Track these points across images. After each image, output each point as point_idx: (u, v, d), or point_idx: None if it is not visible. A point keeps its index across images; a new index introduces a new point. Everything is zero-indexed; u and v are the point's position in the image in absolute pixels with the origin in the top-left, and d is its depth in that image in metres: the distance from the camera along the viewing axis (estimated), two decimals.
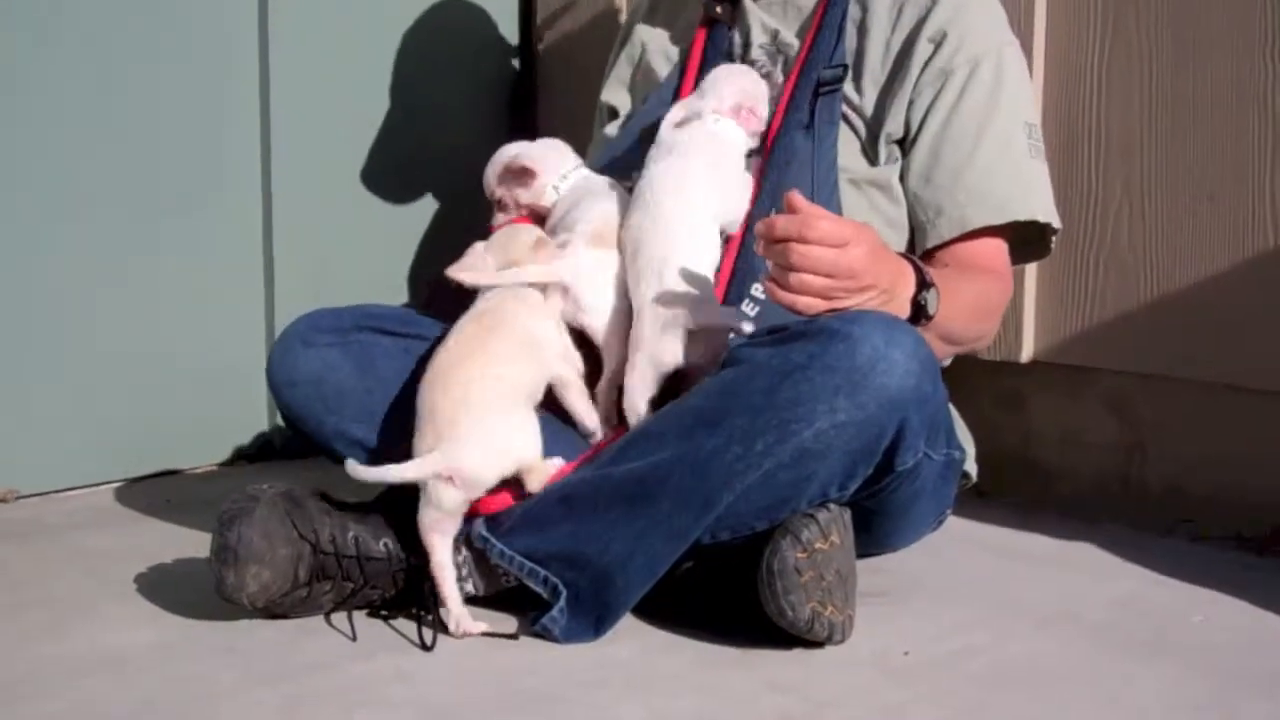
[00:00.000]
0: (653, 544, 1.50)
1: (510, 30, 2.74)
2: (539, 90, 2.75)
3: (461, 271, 1.65)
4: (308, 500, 1.58)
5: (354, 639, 1.54)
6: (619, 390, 1.65)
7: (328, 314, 1.78)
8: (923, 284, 1.58)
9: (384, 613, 1.60)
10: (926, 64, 1.77)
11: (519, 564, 1.55)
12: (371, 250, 2.53)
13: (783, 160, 1.74)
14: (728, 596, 1.56)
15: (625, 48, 2.09)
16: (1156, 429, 2.02)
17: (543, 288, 1.65)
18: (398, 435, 1.70)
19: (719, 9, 1.91)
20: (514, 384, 1.58)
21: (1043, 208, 1.80)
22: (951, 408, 1.72)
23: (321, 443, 1.75)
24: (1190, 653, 1.52)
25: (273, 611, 1.56)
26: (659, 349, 1.58)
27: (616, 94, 2.07)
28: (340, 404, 1.73)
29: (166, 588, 1.69)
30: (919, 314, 1.58)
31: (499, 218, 1.82)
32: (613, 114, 2.07)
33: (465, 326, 1.61)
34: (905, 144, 1.79)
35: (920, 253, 1.77)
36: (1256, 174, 1.86)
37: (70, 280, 2.20)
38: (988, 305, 1.78)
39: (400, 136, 2.56)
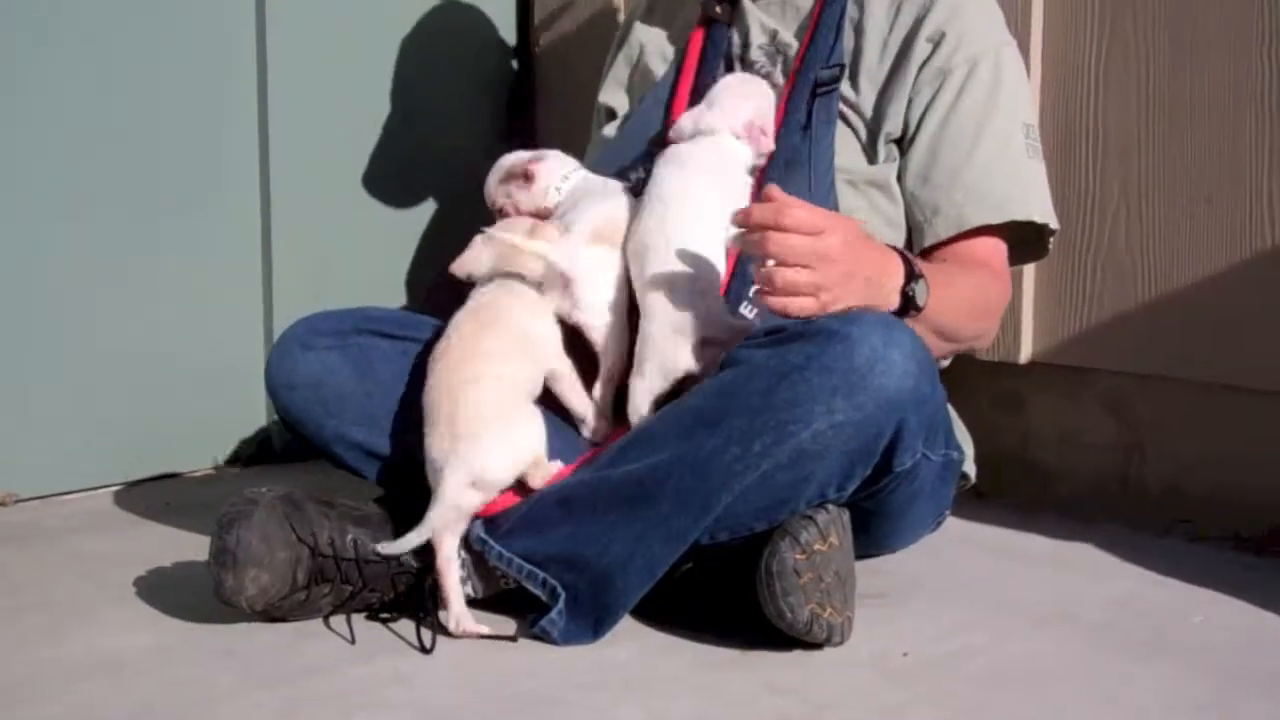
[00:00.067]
0: (651, 545, 1.50)
1: (508, 31, 2.74)
2: (537, 91, 2.76)
3: (463, 266, 1.66)
4: (306, 503, 1.58)
5: (353, 642, 1.54)
6: (616, 390, 1.65)
7: (326, 317, 1.78)
8: (911, 275, 1.58)
9: (383, 615, 1.60)
10: (925, 64, 1.78)
11: (517, 566, 1.55)
12: (370, 251, 2.53)
13: (781, 160, 1.74)
14: (726, 598, 1.56)
15: (623, 48, 2.09)
16: (1155, 429, 2.02)
17: (538, 285, 1.65)
18: (397, 438, 1.71)
19: (718, 9, 1.91)
20: (516, 382, 1.58)
21: (1040, 208, 1.80)
22: (950, 408, 1.72)
23: (320, 446, 1.75)
24: (1189, 653, 1.52)
25: (271, 614, 1.56)
26: (671, 357, 1.58)
27: (614, 95, 2.07)
28: (339, 407, 1.72)
29: (165, 591, 1.69)
30: (908, 305, 1.58)
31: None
32: (610, 115, 2.07)
33: (464, 324, 1.61)
34: (903, 143, 1.79)
35: (918, 252, 1.77)
36: (1254, 175, 1.86)
37: (68, 281, 2.20)
38: (985, 303, 1.78)
39: (398, 137, 2.56)
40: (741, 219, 1.48)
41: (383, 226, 2.55)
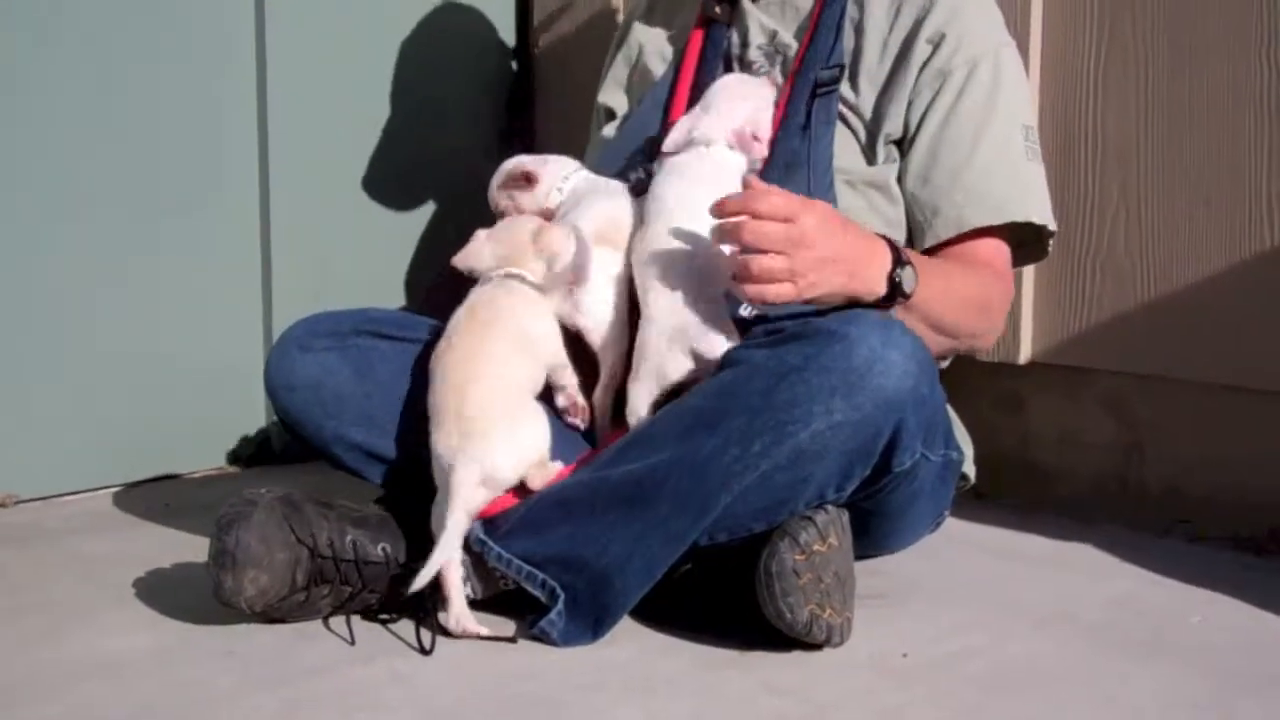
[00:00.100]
0: (650, 546, 1.50)
1: (507, 32, 2.74)
2: (536, 92, 2.76)
3: (466, 260, 1.67)
4: (305, 504, 1.58)
5: (352, 643, 1.54)
6: (615, 393, 1.65)
7: (325, 318, 1.78)
8: (898, 261, 1.58)
9: (382, 616, 1.60)
10: (925, 65, 1.78)
11: (516, 567, 1.55)
12: (369, 252, 2.53)
13: (780, 161, 1.74)
14: (726, 599, 1.56)
15: (622, 48, 2.09)
16: (1154, 430, 2.02)
17: (537, 284, 1.66)
18: (396, 439, 1.71)
19: (717, 9, 1.91)
20: (519, 380, 1.59)
21: (1039, 210, 1.80)
22: (949, 409, 1.72)
23: (320, 447, 1.75)
24: (1188, 653, 1.52)
25: (271, 616, 1.56)
26: (665, 363, 1.58)
27: (613, 95, 2.07)
28: (339, 408, 1.72)
29: (165, 592, 1.69)
30: (895, 291, 1.58)
31: None
32: (610, 115, 2.07)
33: (464, 324, 1.61)
34: (903, 145, 1.79)
35: (920, 254, 1.77)
36: (1253, 177, 1.86)
37: (68, 281, 2.20)
38: (983, 299, 1.77)
39: (398, 138, 2.56)
40: (717, 209, 1.49)
41: (382, 227, 2.55)
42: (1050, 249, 1.87)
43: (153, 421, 2.30)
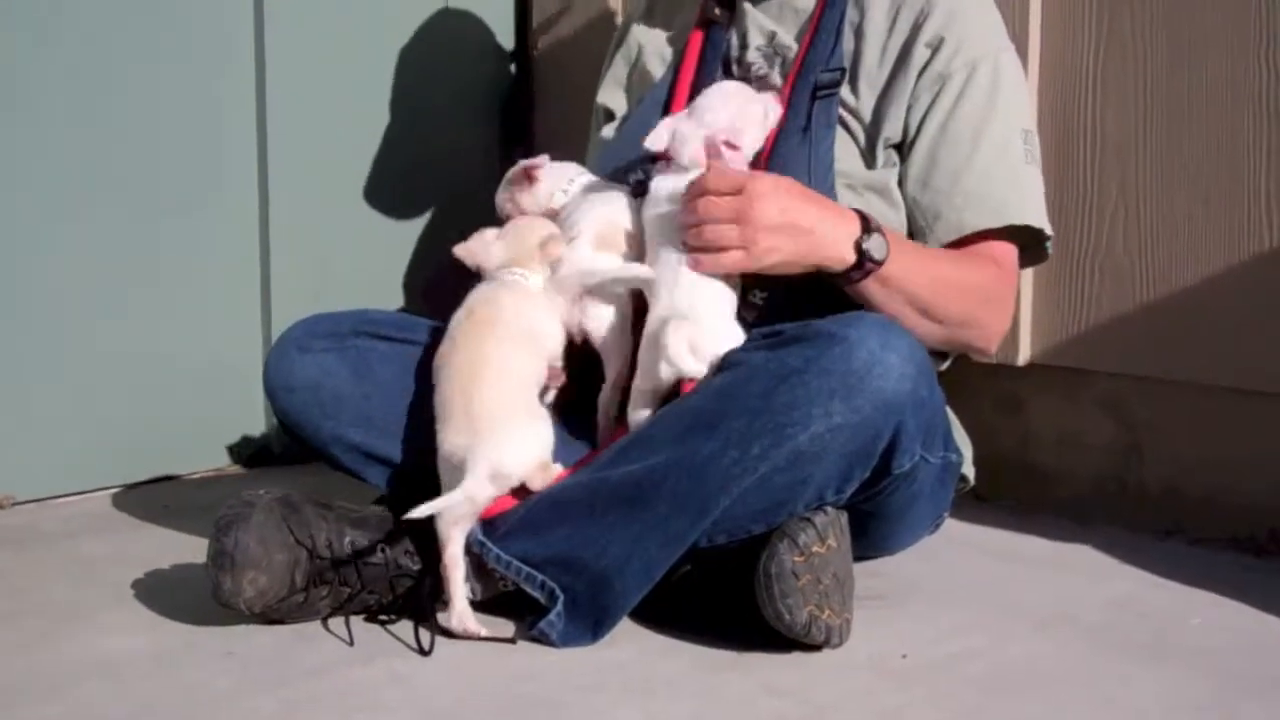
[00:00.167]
0: (649, 548, 1.50)
1: (506, 34, 2.74)
2: (535, 94, 2.75)
3: (473, 255, 1.68)
4: (304, 505, 1.58)
5: (351, 644, 1.54)
6: (622, 394, 1.65)
7: (324, 319, 1.78)
8: (867, 229, 1.60)
9: (381, 617, 1.60)
10: (924, 69, 1.77)
11: (516, 568, 1.55)
12: (368, 253, 2.53)
13: (780, 164, 1.74)
14: (725, 600, 1.56)
15: (621, 49, 2.09)
16: (1153, 431, 2.02)
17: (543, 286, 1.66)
18: (395, 440, 1.71)
19: (717, 11, 1.91)
20: (525, 377, 1.60)
21: (1037, 214, 1.80)
22: (949, 411, 1.71)
23: (319, 448, 1.75)
24: (1188, 655, 1.52)
25: (270, 617, 1.56)
26: (667, 366, 1.57)
27: (613, 96, 2.07)
28: (337, 409, 1.72)
29: (164, 593, 1.69)
30: (863, 258, 1.59)
31: None
32: (609, 116, 2.06)
33: (469, 322, 1.61)
34: (903, 149, 1.79)
35: None
36: (1252, 176, 1.86)
37: (67, 281, 2.19)
38: (977, 288, 1.74)
39: (396, 139, 2.56)
40: (681, 200, 1.56)
41: (381, 228, 2.55)
42: (1049, 251, 1.87)
43: (152, 422, 2.30)
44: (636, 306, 1.65)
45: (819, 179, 1.72)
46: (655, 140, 1.67)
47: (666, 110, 1.87)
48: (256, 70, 2.39)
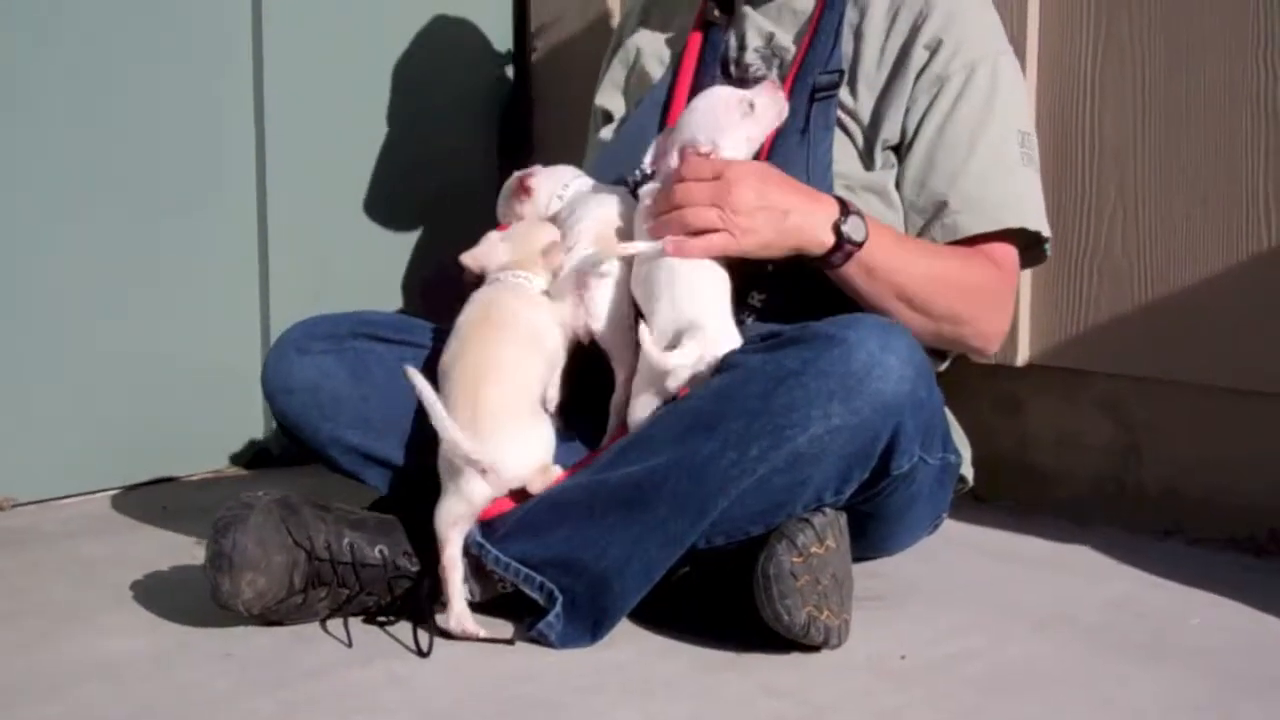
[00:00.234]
0: (648, 549, 1.50)
1: (504, 37, 2.74)
2: (534, 97, 2.76)
3: (477, 259, 1.69)
4: (303, 507, 1.58)
5: (350, 645, 1.54)
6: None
7: (322, 321, 1.78)
8: (846, 212, 1.61)
9: (380, 619, 1.60)
10: (922, 71, 1.77)
11: (514, 570, 1.55)
12: (367, 254, 2.53)
13: (778, 165, 1.74)
14: (724, 601, 1.56)
15: (619, 51, 2.09)
16: (1152, 431, 2.02)
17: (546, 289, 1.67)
18: (393, 442, 1.71)
19: (716, 13, 1.91)
20: (529, 380, 1.60)
21: (1034, 216, 1.80)
22: (948, 412, 1.72)
23: (317, 449, 1.75)
24: (1187, 655, 1.52)
25: (268, 618, 1.56)
26: (666, 370, 1.57)
27: (610, 98, 2.07)
28: (336, 411, 1.72)
29: (163, 595, 1.69)
30: (842, 240, 1.60)
31: None
32: (607, 118, 2.07)
33: (476, 325, 1.62)
34: (901, 150, 1.79)
35: None
36: (1250, 177, 1.86)
37: (66, 281, 2.19)
38: (977, 287, 1.74)
39: (395, 141, 2.56)
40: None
41: (380, 230, 2.55)
42: (1048, 253, 1.87)
43: (151, 423, 2.30)
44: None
45: (817, 180, 1.72)
46: (649, 160, 1.69)
47: (665, 111, 1.88)
48: (255, 71, 2.39)
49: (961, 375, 1.93)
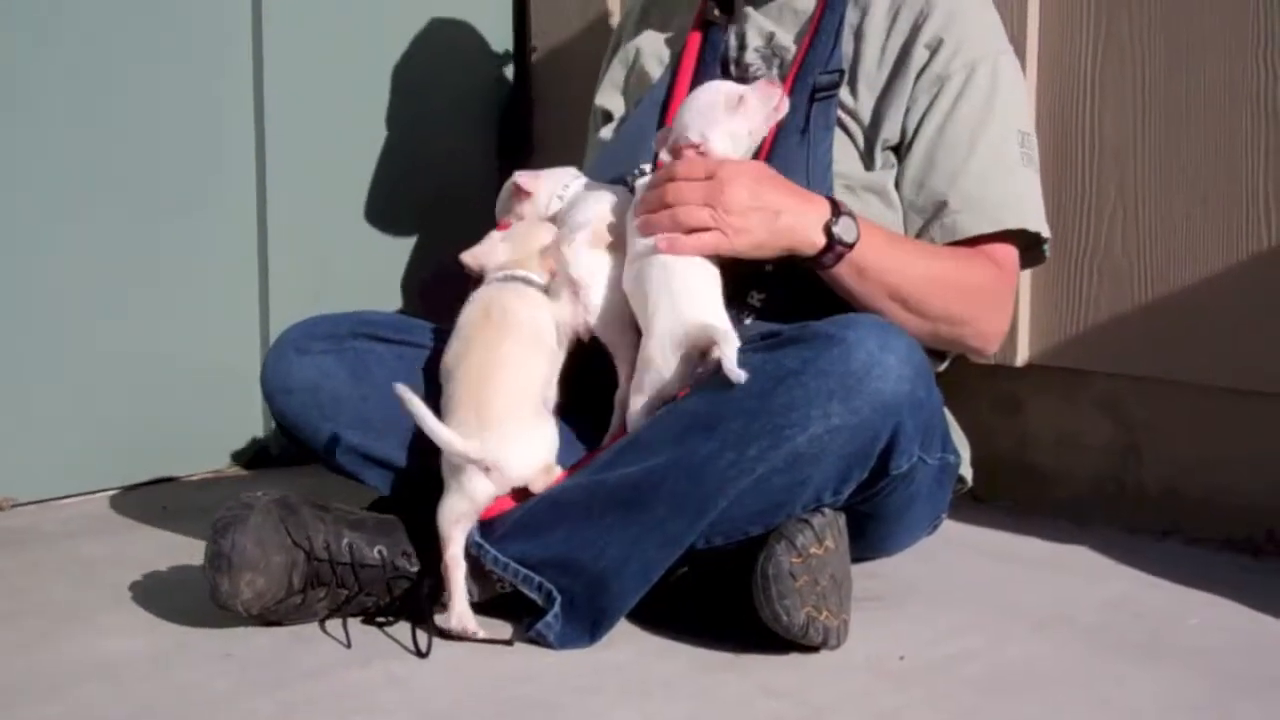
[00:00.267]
0: (647, 550, 1.50)
1: (504, 37, 2.74)
2: (533, 98, 2.75)
3: (477, 258, 1.69)
4: (302, 507, 1.58)
5: (349, 646, 1.54)
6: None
7: (322, 321, 1.78)
8: (837, 213, 1.61)
9: (379, 619, 1.60)
10: (922, 71, 1.77)
11: (513, 570, 1.55)
12: (367, 254, 2.53)
13: (778, 165, 1.74)
14: (722, 601, 1.56)
15: (619, 51, 2.09)
16: (1151, 431, 2.02)
17: (545, 289, 1.67)
18: (393, 442, 1.71)
19: (716, 13, 1.91)
20: (533, 380, 1.60)
21: (1034, 217, 1.79)
22: (947, 412, 1.72)
23: (316, 450, 1.75)
24: (1185, 655, 1.52)
25: (267, 618, 1.56)
26: (666, 373, 1.57)
27: (610, 98, 2.07)
28: (335, 411, 1.72)
29: (162, 595, 1.69)
30: (833, 240, 1.60)
31: None
32: (606, 117, 2.07)
33: (479, 325, 1.62)
34: (900, 150, 1.79)
35: None
36: (1250, 177, 1.86)
37: (66, 281, 2.19)
38: (976, 288, 1.74)
39: (395, 142, 2.56)
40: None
41: (380, 230, 2.55)
42: (1047, 253, 1.87)
43: (151, 423, 2.30)
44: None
45: (817, 180, 1.72)
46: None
47: (665, 111, 1.88)
48: (255, 71, 2.39)
49: (961, 375, 1.93)
